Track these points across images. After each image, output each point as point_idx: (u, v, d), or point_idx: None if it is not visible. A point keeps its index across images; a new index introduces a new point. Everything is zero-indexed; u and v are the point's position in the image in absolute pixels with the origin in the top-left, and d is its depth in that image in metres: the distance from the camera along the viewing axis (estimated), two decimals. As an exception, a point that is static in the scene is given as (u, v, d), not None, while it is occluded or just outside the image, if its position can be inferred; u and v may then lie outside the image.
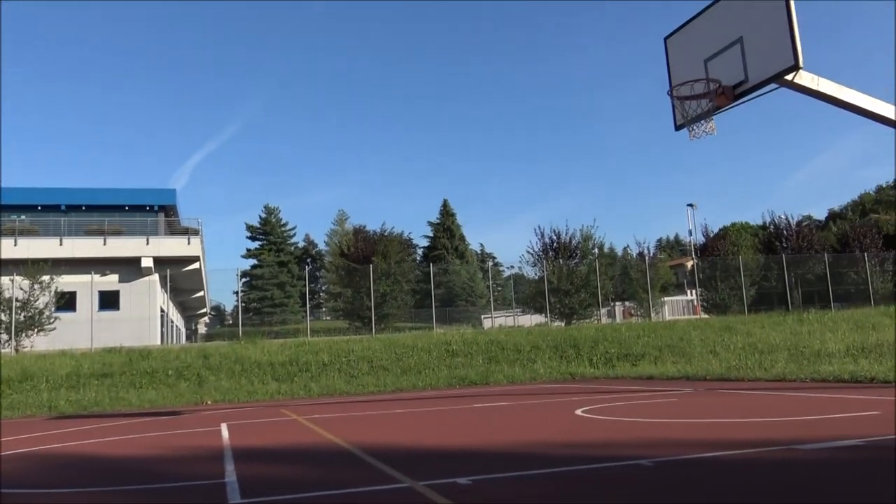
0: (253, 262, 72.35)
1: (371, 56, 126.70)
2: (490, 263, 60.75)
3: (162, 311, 37.74)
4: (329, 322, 53.87)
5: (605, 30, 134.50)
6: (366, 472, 5.84)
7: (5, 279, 25.96)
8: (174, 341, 41.67)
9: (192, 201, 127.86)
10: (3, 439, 10.36)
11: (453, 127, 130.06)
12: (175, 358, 21.29)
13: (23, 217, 38.16)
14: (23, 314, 25.42)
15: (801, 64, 10.13)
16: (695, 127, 11.90)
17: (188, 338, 52.32)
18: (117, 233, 36.49)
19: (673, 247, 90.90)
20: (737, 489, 4.42)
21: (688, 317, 35.50)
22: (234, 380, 19.73)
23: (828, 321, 24.99)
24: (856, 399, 9.66)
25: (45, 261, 27.63)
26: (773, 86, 10.80)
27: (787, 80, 10.53)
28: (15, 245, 33.76)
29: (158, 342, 33.72)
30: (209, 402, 16.91)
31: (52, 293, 26.30)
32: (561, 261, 31.63)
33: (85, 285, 30.91)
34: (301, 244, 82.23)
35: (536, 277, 32.48)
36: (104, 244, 35.24)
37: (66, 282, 28.13)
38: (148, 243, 36.06)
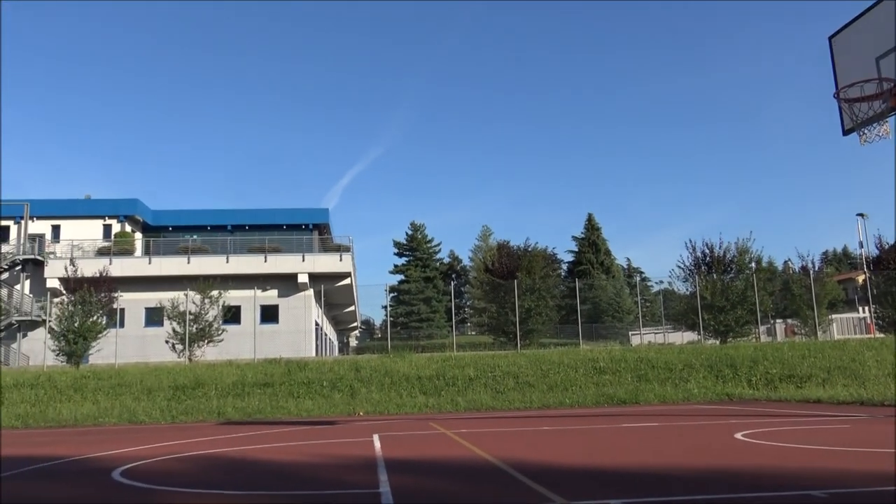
0: (400, 277, 74.45)
1: (517, 72, 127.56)
2: (638, 278, 58.81)
3: (317, 324, 39.61)
4: (474, 337, 54.33)
5: (761, 34, 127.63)
6: (516, 489, 5.80)
7: (180, 294, 28.29)
8: (328, 353, 43.59)
9: (343, 219, 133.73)
10: (177, 442, 11.24)
11: (598, 140, 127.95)
12: (329, 370, 22.25)
13: (195, 237, 41.50)
14: (195, 326, 27.54)
15: None
16: (866, 130, 10.97)
17: (340, 350, 54.54)
18: (276, 250, 38.81)
19: (841, 260, 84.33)
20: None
21: (860, 336, 32.68)
22: (384, 392, 20.31)
23: None
24: None
25: (214, 277, 29.86)
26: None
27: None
28: (188, 263, 36.76)
29: (313, 354, 35.40)
30: (361, 413, 17.52)
31: (221, 307, 28.28)
32: (715, 275, 30.13)
33: (248, 300, 33.09)
34: (446, 260, 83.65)
35: (688, 293, 31.12)
36: (265, 261, 37.58)
37: (232, 296, 30.21)
38: (304, 260, 38.06)
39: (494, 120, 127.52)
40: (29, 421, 17.36)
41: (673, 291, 34.63)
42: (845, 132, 11.65)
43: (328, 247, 42.60)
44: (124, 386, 20.85)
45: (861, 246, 44.67)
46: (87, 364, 26.78)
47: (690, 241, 32.52)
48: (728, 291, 29.49)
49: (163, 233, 43.20)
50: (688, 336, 32.66)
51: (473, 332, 61.40)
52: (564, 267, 76.50)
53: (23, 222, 39.57)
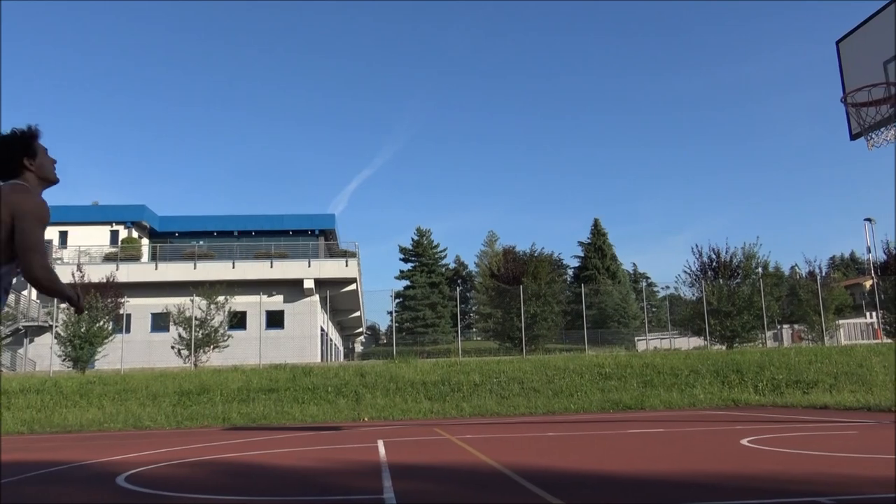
0: (406, 283, 74.51)
1: (519, 74, 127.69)
2: (644, 283, 58.79)
3: (322, 329, 39.66)
4: (479, 342, 54.28)
5: (771, 34, 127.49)
6: (521, 496, 5.77)
7: (186, 300, 28.36)
8: (333, 359, 43.63)
9: (349, 225, 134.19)
10: (182, 447, 11.24)
11: (604, 143, 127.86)
12: (334, 375, 22.24)
13: (201, 242, 41.64)
14: (201, 332, 27.58)
15: None
16: (873, 135, 10.94)
17: (345, 356, 54.58)
18: (282, 256, 38.89)
19: (848, 265, 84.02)
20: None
21: (867, 341, 32.51)
22: (389, 398, 20.28)
23: None
24: None
25: (220, 283, 29.93)
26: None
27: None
28: (194, 268, 36.86)
29: (319, 360, 35.44)
30: (366, 419, 17.49)
31: (226, 313, 28.33)
32: (721, 280, 30.07)
33: (254, 305, 33.16)
34: (452, 265, 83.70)
35: (694, 298, 31.07)
36: (271, 267, 37.66)
37: (238, 302, 30.29)
38: (309, 266, 38.13)
39: (502, 126, 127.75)
40: (34, 426, 17.39)
41: (679, 297, 34.58)
42: (853, 137, 11.61)
43: (334, 252, 42.68)
44: (130, 391, 20.88)
45: (869, 251, 44.54)
46: (92, 369, 26.87)
47: (697, 246, 32.55)
48: (734, 297, 29.44)
49: (169, 239, 43.37)
50: (694, 341, 32.61)
51: (479, 338, 61.38)
52: (570, 272, 76.47)
53: (30, 228, 39.68)
